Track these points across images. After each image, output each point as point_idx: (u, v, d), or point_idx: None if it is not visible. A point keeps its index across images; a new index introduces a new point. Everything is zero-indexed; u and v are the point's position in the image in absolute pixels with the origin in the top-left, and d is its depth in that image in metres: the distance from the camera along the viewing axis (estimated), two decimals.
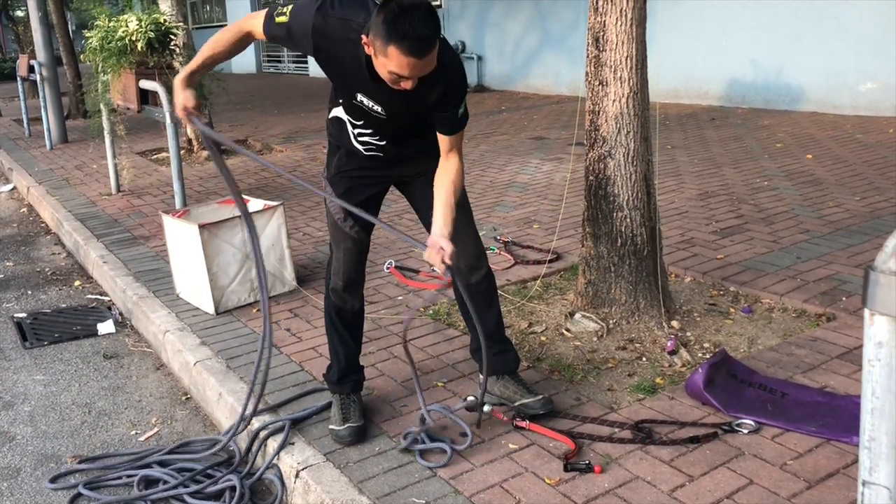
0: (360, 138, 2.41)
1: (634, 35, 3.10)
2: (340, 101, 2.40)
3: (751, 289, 3.54)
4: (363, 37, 2.06)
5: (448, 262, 2.14)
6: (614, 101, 3.14)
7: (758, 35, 8.90)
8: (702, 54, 9.50)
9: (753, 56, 8.99)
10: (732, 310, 3.37)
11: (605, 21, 3.11)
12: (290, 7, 2.22)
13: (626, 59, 3.10)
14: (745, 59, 9.07)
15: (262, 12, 2.30)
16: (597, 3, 3.12)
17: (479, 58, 13.19)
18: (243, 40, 2.38)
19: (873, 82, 7.91)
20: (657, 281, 3.26)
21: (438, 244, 2.16)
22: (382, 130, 2.37)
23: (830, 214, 4.60)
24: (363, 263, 2.61)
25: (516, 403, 2.53)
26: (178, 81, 2.35)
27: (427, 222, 2.45)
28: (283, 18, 2.23)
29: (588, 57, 3.20)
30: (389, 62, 2.00)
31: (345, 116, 2.41)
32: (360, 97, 2.28)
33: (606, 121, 3.17)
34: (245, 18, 2.35)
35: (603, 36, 3.12)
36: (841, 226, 4.37)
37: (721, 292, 3.57)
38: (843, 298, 3.34)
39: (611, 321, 3.19)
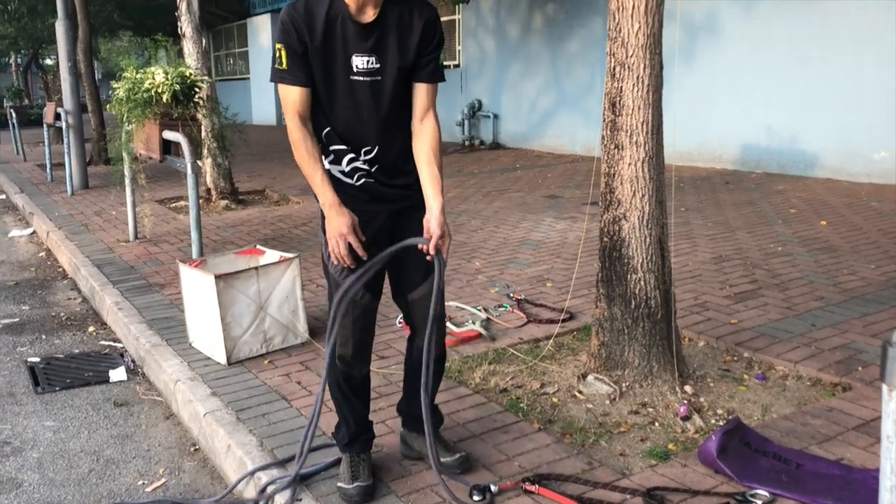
0: (351, 164, 2.36)
1: (651, 101, 3.15)
2: (330, 110, 2.33)
3: (765, 355, 3.51)
4: None
5: (438, 248, 2.28)
6: (630, 164, 3.17)
7: (771, 101, 9.00)
8: (716, 119, 9.60)
9: (767, 122, 9.08)
10: (746, 376, 3.34)
11: (621, 87, 3.16)
12: (276, 45, 2.28)
13: (642, 125, 3.15)
14: (760, 124, 9.16)
15: (280, 90, 2.31)
16: (613, 69, 3.18)
17: (496, 116, 13.38)
18: (307, 121, 2.33)
19: (887, 151, 7.95)
20: (671, 345, 3.24)
21: (437, 229, 2.29)
22: (369, 119, 2.32)
23: (845, 282, 4.58)
24: (373, 326, 2.54)
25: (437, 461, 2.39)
26: (331, 204, 2.27)
27: (399, 285, 2.50)
28: (281, 52, 2.26)
29: (604, 121, 3.25)
30: None
31: (337, 148, 2.36)
32: (355, 61, 2.27)
33: (622, 183, 3.20)
34: (287, 113, 2.32)
35: (619, 101, 3.17)
36: (856, 294, 4.35)
37: (735, 358, 3.54)
38: (860, 368, 3.31)
39: (624, 384, 3.17)
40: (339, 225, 2.28)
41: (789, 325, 3.89)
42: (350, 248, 2.34)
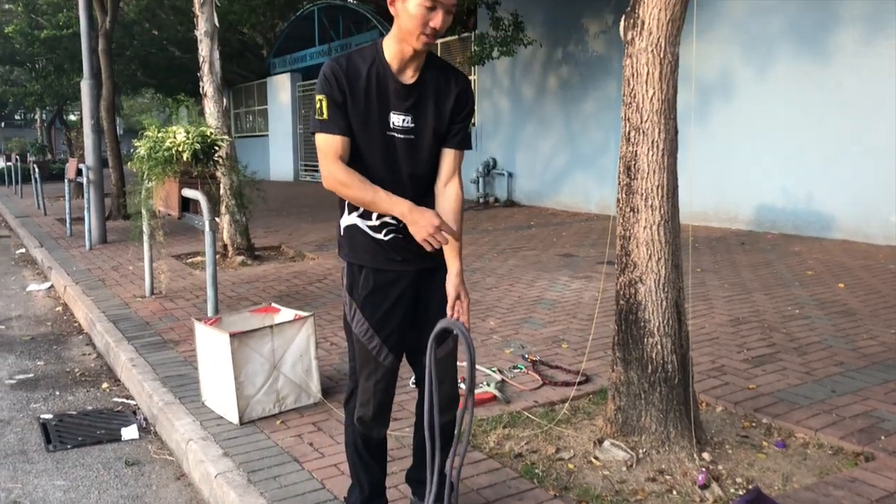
0: (381, 219, 2.36)
1: (666, 165, 3.17)
2: (364, 163, 2.33)
3: (784, 422, 3.45)
4: (389, 2, 2.22)
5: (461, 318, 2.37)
6: (645, 227, 3.17)
7: (787, 163, 9.04)
8: (732, 179, 9.64)
9: (783, 182, 9.10)
10: (765, 443, 3.28)
11: (636, 151, 3.19)
12: (317, 97, 2.31)
13: (658, 188, 3.16)
14: (775, 185, 9.18)
15: (318, 139, 2.32)
16: (628, 133, 3.21)
17: (510, 174, 13.49)
18: (346, 159, 2.32)
19: None
20: (688, 410, 3.20)
21: (453, 291, 2.38)
22: (404, 177, 2.35)
23: (865, 347, 4.53)
24: (394, 388, 2.52)
25: None
26: (410, 207, 2.23)
27: (420, 343, 2.39)
28: (322, 103, 2.28)
29: (619, 184, 3.26)
30: None
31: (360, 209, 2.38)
32: (392, 118, 2.31)
33: (637, 247, 3.20)
34: (325, 159, 2.31)
35: (635, 165, 3.19)
36: (877, 359, 4.29)
37: (753, 424, 3.48)
38: (882, 437, 3.24)
39: (640, 450, 3.12)
40: (429, 218, 2.19)
41: (809, 390, 3.83)
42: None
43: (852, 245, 8.13)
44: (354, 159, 2.33)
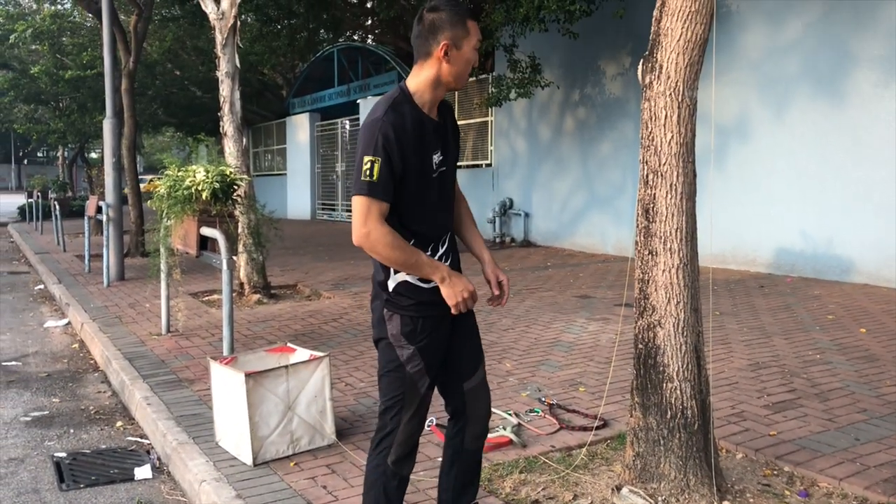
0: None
1: (684, 208, 3.15)
2: (414, 212, 2.42)
3: (807, 470, 3.38)
4: (437, 50, 2.38)
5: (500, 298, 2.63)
6: (664, 271, 3.15)
7: (805, 205, 8.99)
8: (750, 222, 9.59)
9: (801, 226, 9.04)
10: (788, 492, 3.20)
11: (654, 194, 3.17)
12: (366, 158, 2.29)
13: (676, 231, 3.14)
14: (794, 228, 9.12)
15: (363, 202, 2.30)
16: (647, 176, 3.20)
17: (527, 214, 13.50)
18: (390, 221, 2.36)
19: None
20: (708, 457, 3.13)
21: (496, 270, 2.66)
22: (444, 215, 2.54)
23: (889, 394, 4.44)
24: (424, 424, 2.62)
25: None
26: (449, 272, 2.41)
27: (456, 374, 2.63)
28: (375, 165, 2.28)
29: (638, 227, 3.25)
30: (473, 35, 2.42)
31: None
32: (434, 159, 2.45)
33: (656, 290, 3.17)
34: (369, 221, 2.31)
35: (653, 208, 3.18)
36: None
37: (775, 472, 3.41)
38: None
39: (660, 498, 3.06)
40: (465, 284, 2.43)
41: (831, 438, 3.75)
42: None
43: (873, 289, 8.04)
44: (412, 208, 2.41)
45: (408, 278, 2.45)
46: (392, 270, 2.46)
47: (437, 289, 2.45)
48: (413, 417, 2.51)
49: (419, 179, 2.40)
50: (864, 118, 8.40)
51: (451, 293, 2.39)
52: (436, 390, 2.63)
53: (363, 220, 2.31)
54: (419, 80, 2.42)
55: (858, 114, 8.46)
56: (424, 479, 3.38)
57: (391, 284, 2.47)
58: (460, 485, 2.71)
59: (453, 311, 2.42)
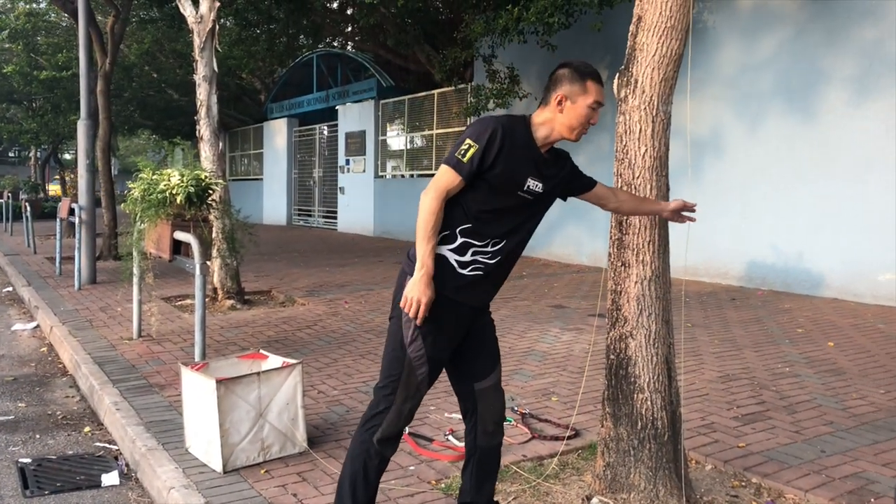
0: (473, 257, 2.63)
1: (657, 220, 3.19)
2: (483, 213, 2.63)
3: (774, 482, 3.42)
4: (553, 99, 2.68)
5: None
6: (636, 282, 3.18)
7: (777, 220, 9.11)
8: (722, 235, 9.70)
9: (773, 240, 9.16)
10: (755, 503, 3.24)
11: None
12: (468, 140, 2.58)
13: (649, 244, 3.18)
14: (765, 242, 9.24)
15: (445, 170, 2.58)
16: (620, 188, 3.23)
17: None
18: (444, 203, 2.60)
19: (892, 273, 7.98)
20: (678, 468, 3.16)
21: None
22: (516, 228, 2.70)
23: (854, 406, 4.51)
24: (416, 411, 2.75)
25: None
26: (429, 273, 2.55)
27: (469, 374, 2.80)
28: (471, 150, 2.56)
29: (611, 238, 3.28)
30: (590, 95, 2.66)
31: (467, 241, 2.62)
32: (529, 183, 2.65)
33: (628, 301, 3.20)
34: (435, 187, 2.58)
35: (626, 220, 3.21)
36: (866, 419, 4.27)
37: (743, 483, 3.45)
38: (872, 500, 3.21)
39: None
40: (424, 293, 2.53)
41: (798, 450, 3.80)
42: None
43: (842, 303, 8.16)
44: (486, 205, 2.62)
45: (447, 254, 2.61)
46: (438, 242, 2.62)
47: (467, 278, 2.63)
48: (406, 402, 2.64)
49: (502, 186, 2.61)
50: (835, 135, 8.54)
51: (411, 289, 2.54)
52: (452, 390, 2.86)
53: (434, 183, 2.59)
54: (539, 117, 2.73)
55: (829, 131, 8.60)
56: (395, 488, 3.38)
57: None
58: (476, 481, 2.88)
59: (401, 302, 2.56)
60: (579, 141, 2.76)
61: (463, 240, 2.62)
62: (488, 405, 2.80)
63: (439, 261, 2.60)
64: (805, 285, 8.82)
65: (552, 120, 2.70)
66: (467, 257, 2.63)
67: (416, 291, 2.52)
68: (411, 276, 2.59)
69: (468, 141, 2.57)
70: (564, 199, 3.00)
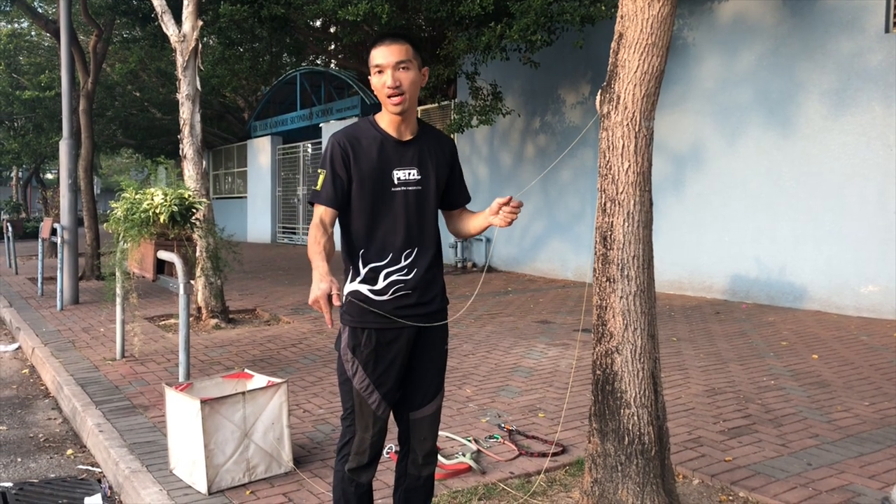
0: (388, 279, 2.54)
1: (641, 236, 3.20)
2: (369, 224, 2.56)
3: (761, 495, 3.42)
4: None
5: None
6: (621, 297, 3.19)
7: (759, 234, 9.18)
8: (705, 249, 9.76)
9: (756, 253, 9.22)
10: None
11: (612, 221, 3.22)
12: (319, 171, 2.56)
13: (633, 259, 3.19)
14: (748, 255, 9.30)
15: (315, 209, 2.54)
16: (604, 204, 3.25)
17: (488, 240, 13.57)
18: (329, 225, 2.54)
19: (874, 285, 8.05)
20: (665, 483, 3.16)
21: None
22: (412, 229, 2.57)
23: (840, 419, 4.53)
24: (385, 436, 2.67)
25: None
26: (323, 273, 2.34)
27: (405, 402, 2.69)
28: (321, 176, 2.53)
29: (596, 254, 3.29)
30: (372, 60, 2.53)
31: (374, 265, 2.55)
32: (396, 174, 2.55)
33: (614, 316, 3.20)
34: (316, 220, 2.52)
35: (611, 235, 3.22)
36: (851, 432, 4.29)
37: (731, 497, 3.45)
38: None
39: None
40: (319, 287, 2.28)
41: (785, 463, 3.81)
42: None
43: (825, 316, 8.21)
44: (366, 218, 2.56)
45: (359, 288, 2.56)
46: (349, 279, 2.59)
47: (390, 301, 2.55)
48: (367, 430, 2.58)
49: (370, 191, 2.54)
50: (814, 148, 8.63)
51: (313, 289, 2.31)
52: None
53: (312, 223, 2.54)
54: (381, 112, 2.63)
55: (808, 144, 8.70)
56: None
57: (344, 292, 2.57)
58: None
59: (310, 301, 2.33)
60: (403, 110, 2.52)
61: (368, 267, 2.55)
62: (420, 438, 2.70)
63: (357, 298, 2.54)
64: (788, 298, 8.88)
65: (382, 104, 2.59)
66: (381, 283, 2.55)
67: (312, 291, 2.30)
68: (342, 315, 2.58)
69: (319, 171, 2.56)
70: (445, 200, 2.77)
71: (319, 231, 2.48)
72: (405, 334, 2.59)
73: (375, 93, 2.55)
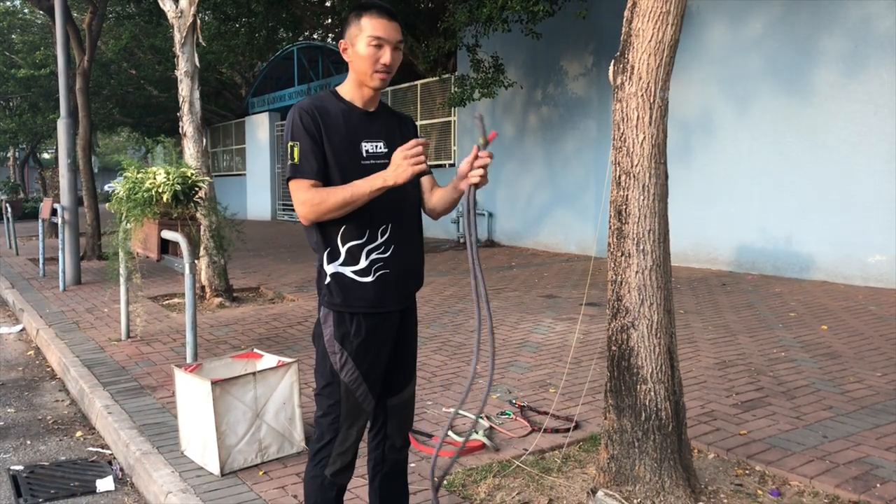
0: (369, 257, 2.38)
1: (657, 210, 3.14)
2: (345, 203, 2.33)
3: (778, 469, 3.40)
4: (343, 51, 2.42)
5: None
6: (637, 272, 3.14)
7: (766, 205, 9.11)
8: (711, 220, 9.70)
9: (762, 223, 9.16)
10: (760, 491, 3.22)
11: (627, 195, 3.16)
12: (289, 144, 2.36)
13: (649, 233, 3.13)
14: (754, 226, 9.25)
15: (294, 186, 2.35)
16: (619, 178, 3.19)
17: (490, 214, 13.50)
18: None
19: (882, 254, 8.00)
20: (682, 458, 3.13)
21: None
22: (387, 203, 2.36)
23: (853, 390, 4.50)
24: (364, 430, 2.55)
25: None
26: (375, 177, 2.26)
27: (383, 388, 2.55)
28: (296, 148, 2.33)
29: (611, 228, 3.23)
30: (365, 31, 2.35)
31: (353, 244, 2.37)
32: (364, 147, 2.41)
33: (629, 291, 3.15)
34: (300, 202, 2.34)
35: (626, 209, 3.17)
36: (865, 403, 4.26)
37: (747, 471, 3.43)
38: (878, 485, 3.19)
39: (635, 500, 3.04)
40: (401, 154, 2.22)
41: (800, 436, 3.78)
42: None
43: (832, 286, 8.18)
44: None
45: (340, 270, 2.39)
46: (326, 261, 2.40)
47: (374, 284, 2.39)
48: (353, 427, 2.43)
49: (340, 165, 2.36)
50: (822, 117, 8.54)
51: (397, 173, 2.23)
52: None
53: (295, 199, 2.35)
54: (344, 83, 2.48)
55: (816, 113, 8.60)
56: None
57: (327, 273, 2.40)
58: (387, 498, 2.65)
59: (413, 168, 2.20)
60: (384, 85, 2.42)
61: (347, 246, 2.37)
62: (398, 421, 2.58)
63: (339, 281, 2.38)
64: (794, 268, 8.83)
65: (351, 73, 2.43)
66: (362, 263, 2.38)
67: (399, 167, 2.22)
68: (324, 300, 2.42)
69: (289, 144, 2.35)
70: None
71: (317, 191, 2.31)
72: (391, 319, 2.46)
73: (356, 61, 2.37)
